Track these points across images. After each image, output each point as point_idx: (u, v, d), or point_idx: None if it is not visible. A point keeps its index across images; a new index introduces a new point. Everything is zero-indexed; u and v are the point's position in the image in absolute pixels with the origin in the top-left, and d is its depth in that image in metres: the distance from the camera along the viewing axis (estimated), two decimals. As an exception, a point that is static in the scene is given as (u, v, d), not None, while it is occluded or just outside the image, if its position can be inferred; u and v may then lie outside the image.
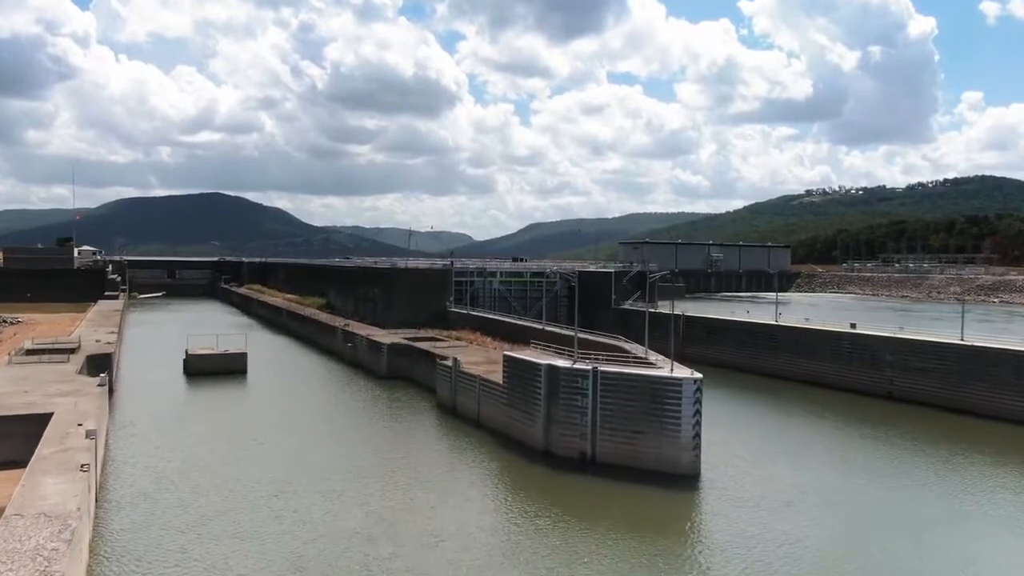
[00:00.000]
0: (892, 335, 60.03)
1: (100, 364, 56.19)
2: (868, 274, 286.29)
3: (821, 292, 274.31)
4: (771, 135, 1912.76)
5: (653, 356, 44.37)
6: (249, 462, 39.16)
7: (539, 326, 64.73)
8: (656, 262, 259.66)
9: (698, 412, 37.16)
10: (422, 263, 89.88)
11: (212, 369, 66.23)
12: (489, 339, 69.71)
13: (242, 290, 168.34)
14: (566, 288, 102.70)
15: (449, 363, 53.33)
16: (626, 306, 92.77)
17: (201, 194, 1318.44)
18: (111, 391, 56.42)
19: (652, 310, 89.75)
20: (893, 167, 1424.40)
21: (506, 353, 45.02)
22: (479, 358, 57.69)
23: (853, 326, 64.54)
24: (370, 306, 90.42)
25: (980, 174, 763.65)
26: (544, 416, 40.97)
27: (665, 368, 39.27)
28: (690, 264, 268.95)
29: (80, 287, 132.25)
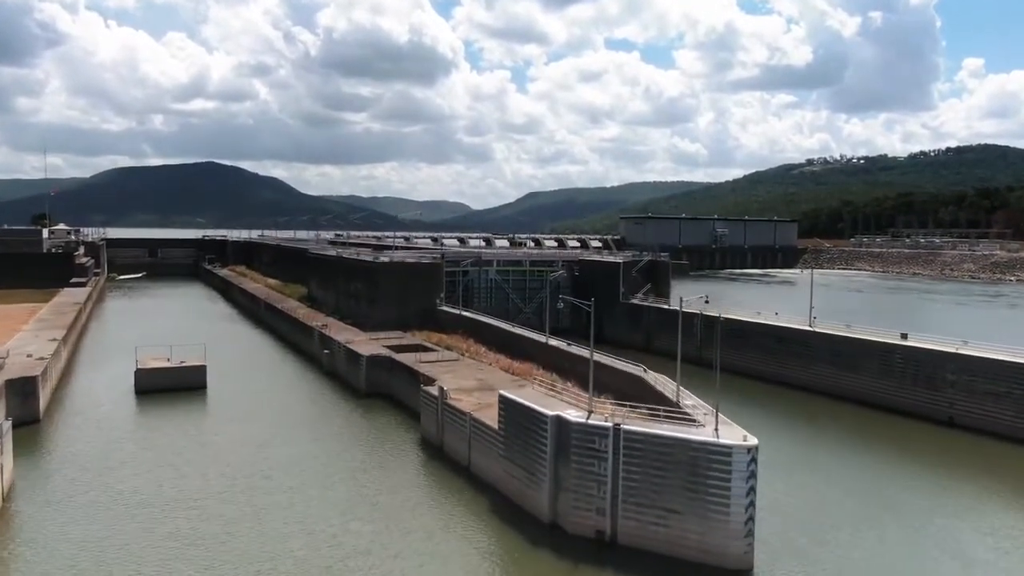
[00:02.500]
0: (955, 350, 51.34)
1: (22, 391, 47.61)
2: (877, 249, 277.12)
3: (829, 268, 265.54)
4: (770, 102, 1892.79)
5: (688, 399, 35.56)
6: (165, 549, 30.47)
7: (542, 339, 55.85)
8: (660, 238, 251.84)
9: (752, 490, 28.52)
10: (409, 256, 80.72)
11: (166, 385, 57.52)
12: (484, 348, 61.00)
13: (224, 272, 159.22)
14: (569, 279, 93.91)
15: (434, 391, 44.64)
16: (636, 301, 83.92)
17: (195, 163, 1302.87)
18: (37, 420, 48.07)
19: (667, 307, 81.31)
20: (892, 135, 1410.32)
21: (502, 394, 36.29)
22: (471, 381, 49.03)
23: (904, 336, 55.82)
24: (352, 302, 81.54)
25: (983, 143, 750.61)
26: (551, 481, 32.39)
27: (708, 426, 30.53)
28: (695, 240, 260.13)
29: (48, 272, 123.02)
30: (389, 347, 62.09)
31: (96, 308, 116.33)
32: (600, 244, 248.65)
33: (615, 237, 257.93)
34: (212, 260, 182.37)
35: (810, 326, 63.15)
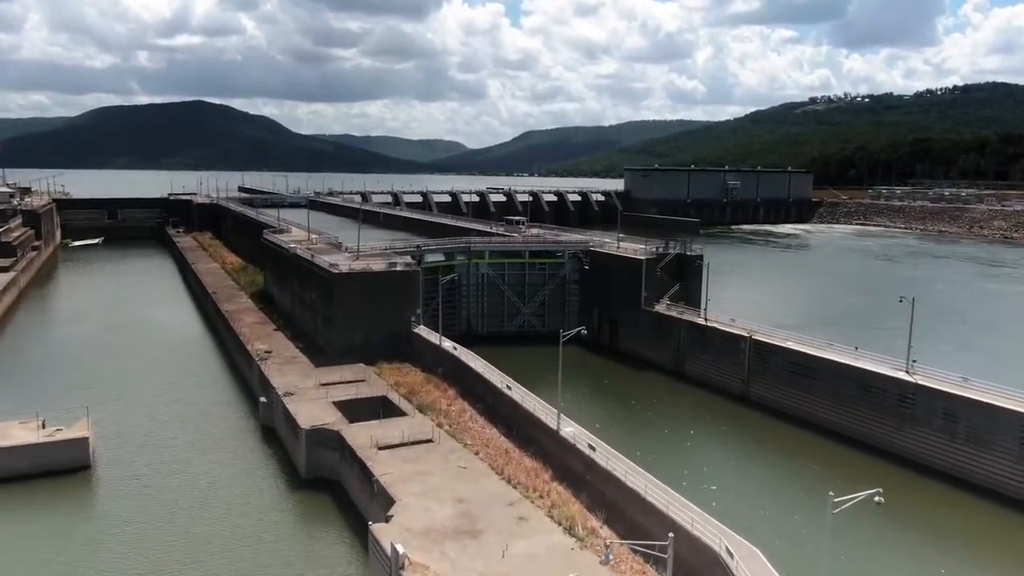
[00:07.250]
0: None
1: None
2: (898, 203, 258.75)
3: (846, 224, 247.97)
4: (770, 37, 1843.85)
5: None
6: None
7: (552, 423, 39.22)
8: (666, 191, 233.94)
9: None
10: (376, 262, 63.46)
11: (30, 469, 41.64)
12: (470, 410, 45.06)
13: (186, 242, 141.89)
14: (576, 272, 77.42)
15: (386, 544, 28.71)
16: (662, 309, 67.50)
17: (183, 102, 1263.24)
18: None
19: (706, 323, 64.96)
20: (894, 71, 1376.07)
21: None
22: (447, 504, 33.05)
23: (1057, 407, 39.91)
24: (308, 314, 65.20)
25: (989, 80, 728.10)
26: None
27: None
28: (704, 193, 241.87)
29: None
30: (341, 403, 45.98)
31: (25, 296, 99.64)
32: (603, 198, 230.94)
33: (619, 191, 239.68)
34: (176, 224, 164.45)
35: (908, 372, 46.97)
